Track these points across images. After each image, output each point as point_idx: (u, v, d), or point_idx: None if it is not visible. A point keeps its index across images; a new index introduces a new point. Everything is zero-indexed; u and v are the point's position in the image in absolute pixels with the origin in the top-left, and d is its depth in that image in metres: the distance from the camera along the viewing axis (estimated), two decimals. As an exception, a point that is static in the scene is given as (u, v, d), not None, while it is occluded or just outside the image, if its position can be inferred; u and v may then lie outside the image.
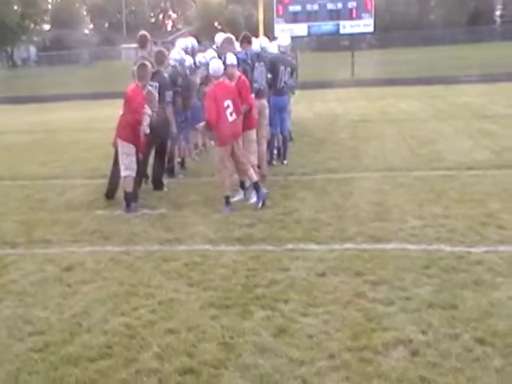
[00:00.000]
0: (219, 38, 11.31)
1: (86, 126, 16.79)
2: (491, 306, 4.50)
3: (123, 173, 7.67)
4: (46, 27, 72.80)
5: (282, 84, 9.90)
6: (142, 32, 9.26)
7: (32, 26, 63.55)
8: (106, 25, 78.46)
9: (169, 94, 8.77)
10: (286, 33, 21.27)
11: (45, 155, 12.35)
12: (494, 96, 18.69)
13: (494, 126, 12.93)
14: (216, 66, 7.61)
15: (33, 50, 68.77)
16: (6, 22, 55.62)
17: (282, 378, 3.68)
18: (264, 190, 7.56)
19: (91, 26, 79.97)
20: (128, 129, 7.61)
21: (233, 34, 9.47)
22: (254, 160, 8.26)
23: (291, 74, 10.25)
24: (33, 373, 3.86)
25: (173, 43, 12.62)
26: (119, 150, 7.71)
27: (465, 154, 9.94)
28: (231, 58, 7.82)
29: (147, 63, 8.02)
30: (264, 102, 8.93)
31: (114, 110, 8.23)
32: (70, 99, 25.43)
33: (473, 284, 4.89)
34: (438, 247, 5.81)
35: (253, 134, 8.20)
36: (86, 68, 45.88)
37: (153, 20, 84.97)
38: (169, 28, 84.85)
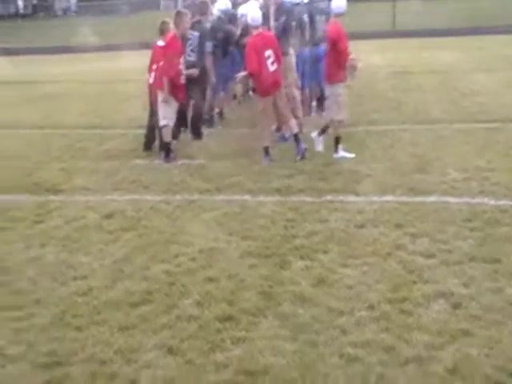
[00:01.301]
0: None
1: (125, 77, 16.75)
2: (536, 260, 4.41)
3: (162, 122, 7.67)
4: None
5: (318, 34, 9.67)
6: None
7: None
8: (145, -26, 77.59)
9: (209, 45, 8.67)
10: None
11: (84, 105, 12.40)
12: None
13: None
14: (255, 15, 7.46)
15: (73, 0, 68.57)
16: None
17: (321, 328, 3.69)
18: (303, 145, 7.48)
19: (130, -25, 79.26)
20: (165, 78, 7.57)
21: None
22: (299, 112, 8.21)
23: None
24: (77, 316, 3.95)
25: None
26: (158, 99, 7.69)
27: (509, 107, 9.63)
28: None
29: (185, 11, 7.93)
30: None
31: (147, 60, 8.18)
32: (108, 50, 25.38)
33: (517, 238, 4.80)
34: (480, 200, 5.69)
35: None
36: (125, 18, 45.62)
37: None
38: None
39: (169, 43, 7.63)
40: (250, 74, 7.44)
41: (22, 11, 61.19)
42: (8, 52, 27.40)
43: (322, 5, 9.95)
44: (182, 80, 7.79)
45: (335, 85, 7.53)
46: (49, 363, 3.42)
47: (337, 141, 7.50)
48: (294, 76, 8.63)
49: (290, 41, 8.44)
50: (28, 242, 5.26)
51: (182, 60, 7.81)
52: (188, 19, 7.90)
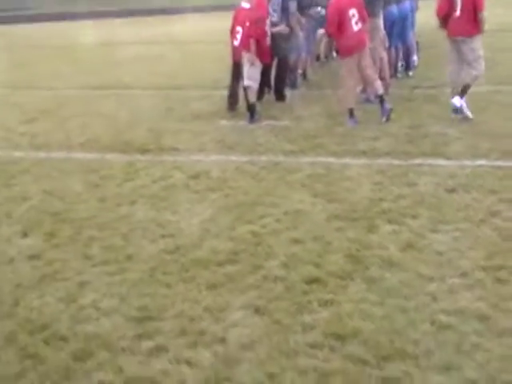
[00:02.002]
0: None
1: (210, 38, 16.84)
2: None
3: (246, 82, 7.65)
4: None
5: None
6: None
7: None
8: None
9: (293, 5, 8.51)
10: None
11: (168, 66, 12.58)
12: None
13: None
14: None
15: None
16: None
17: (410, 293, 3.59)
18: (388, 105, 7.26)
19: None
20: (252, 39, 7.52)
21: None
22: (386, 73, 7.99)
23: None
24: (166, 273, 4.03)
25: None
26: (244, 60, 7.66)
27: None
28: None
29: None
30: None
31: (229, 22, 8.14)
32: (194, 11, 25.52)
33: None
34: None
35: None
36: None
37: None
38: None
39: (257, 5, 7.57)
40: (329, 36, 7.28)
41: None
42: (99, 15, 28.04)
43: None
44: (268, 42, 7.71)
45: (475, 38, 7.06)
46: (140, 317, 3.51)
47: (465, 89, 7.05)
48: (381, 37, 8.36)
49: (379, 2, 8.13)
50: (118, 199, 5.40)
51: (267, 22, 7.73)
52: None
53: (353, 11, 7.13)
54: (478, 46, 7.03)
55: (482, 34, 7.08)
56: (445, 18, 7.06)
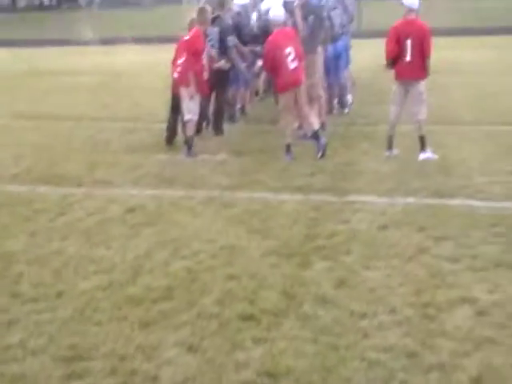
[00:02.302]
0: None
1: (148, 70, 16.78)
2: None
3: (186, 116, 7.68)
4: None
5: (336, 30, 9.61)
6: None
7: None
8: (168, -33, 77.71)
9: (230, 39, 8.59)
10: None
11: (107, 97, 12.46)
12: None
13: None
14: (277, 12, 7.45)
15: (96, -8, 68.97)
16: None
17: (342, 330, 3.65)
18: (323, 140, 7.43)
19: (153, -33, 79.35)
20: (190, 74, 7.57)
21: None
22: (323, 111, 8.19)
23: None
24: (98, 310, 3.95)
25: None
26: (182, 94, 7.69)
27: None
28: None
29: (207, 7, 7.93)
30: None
31: (171, 55, 8.19)
32: (132, 42, 25.45)
33: (544, 245, 4.72)
34: (505, 205, 5.63)
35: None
36: (148, 11, 45.75)
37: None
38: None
39: (193, 39, 7.64)
40: (271, 70, 7.45)
41: (46, 3, 61.66)
42: (34, 44, 27.62)
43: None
44: (206, 75, 7.79)
45: (422, 82, 7.30)
46: (70, 357, 3.42)
47: (423, 140, 7.24)
48: (320, 74, 8.58)
49: (317, 39, 8.36)
50: (50, 233, 5.29)
51: (204, 56, 7.82)
52: (209, 15, 7.90)
53: (289, 49, 7.30)
54: (423, 89, 7.30)
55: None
56: (394, 61, 7.31)
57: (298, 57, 7.38)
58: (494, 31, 23.20)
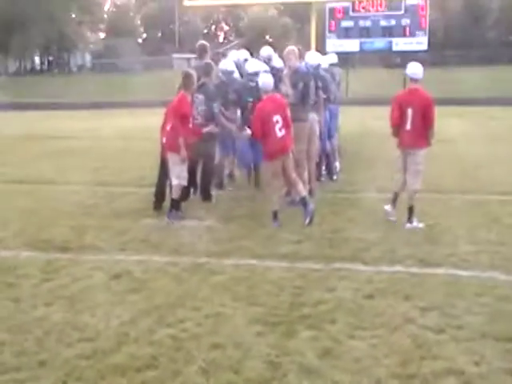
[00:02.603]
0: (265, 51, 11.37)
1: (136, 134, 17.07)
2: (548, 340, 4.34)
3: (174, 181, 7.75)
4: (102, 35, 74.53)
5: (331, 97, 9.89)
6: (201, 42, 9.35)
7: (88, 33, 65.48)
8: (159, 34, 79.70)
9: (215, 106, 8.74)
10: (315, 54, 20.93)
11: (95, 161, 12.58)
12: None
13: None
14: (266, 80, 7.63)
15: (88, 57, 70.52)
16: (65, 29, 57.41)
17: (326, 402, 3.62)
18: (311, 206, 7.51)
19: (144, 35, 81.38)
20: (179, 139, 7.66)
21: (283, 47, 9.44)
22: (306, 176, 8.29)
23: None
24: (81, 379, 3.90)
25: (224, 54, 12.68)
26: (170, 160, 7.79)
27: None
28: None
29: (192, 72, 8.11)
30: (315, 116, 8.87)
31: (160, 119, 8.32)
32: (121, 107, 25.91)
33: (529, 316, 4.74)
34: (491, 275, 5.66)
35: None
36: (138, 76, 46.70)
37: (205, 31, 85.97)
38: (221, 39, 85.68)
39: (179, 103, 7.78)
40: (259, 137, 7.54)
41: (38, 67, 62.86)
42: (24, 107, 27.98)
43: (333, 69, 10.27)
44: (191, 140, 7.88)
45: (421, 151, 7.44)
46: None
47: (411, 210, 7.36)
48: (315, 142, 8.75)
49: (307, 107, 8.55)
50: (34, 300, 5.23)
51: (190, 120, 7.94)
52: (195, 81, 8.05)
53: (277, 117, 7.45)
54: (421, 160, 7.44)
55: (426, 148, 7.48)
56: (397, 129, 7.47)
57: (286, 125, 7.53)
58: (475, 102, 23.86)
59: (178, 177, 7.75)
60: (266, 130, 7.43)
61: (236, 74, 10.06)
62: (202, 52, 9.12)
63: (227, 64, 9.82)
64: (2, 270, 6.01)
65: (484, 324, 4.62)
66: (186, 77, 7.96)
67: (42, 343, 4.42)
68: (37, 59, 68.18)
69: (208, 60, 9.10)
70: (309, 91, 8.46)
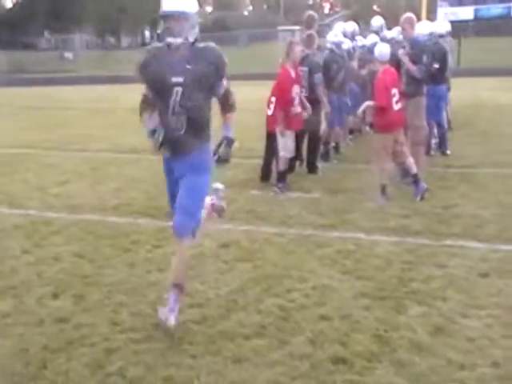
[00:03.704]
0: (376, 21, 11.07)
1: (246, 106, 17.13)
2: None
3: (280, 153, 7.79)
4: (209, 9, 75.62)
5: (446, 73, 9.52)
6: (310, 12, 9.26)
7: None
8: (265, 6, 79.72)
9: (317, 77, 8.61)
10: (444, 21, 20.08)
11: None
12: None
13: None
14: (384, 49, 7.40)
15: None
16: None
17: (439, 380, 3.53)
18: (423, 185, 7.28)
19: (250, 7, 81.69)
20: (279, 112, 7.70)
21: (392, 16, 9.16)
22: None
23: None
24: (193, 343, 4.02)
25: (330, 26, 12.53)
26: (277, 132, 7.82)
27: None
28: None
29: (294, 41, 8.05)
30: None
31: (269, 91, 8.32)
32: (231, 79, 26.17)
33: None
34: None
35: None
36: (244, 49, 47.05)
37: (310, 2, 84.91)
38: (326, 11, 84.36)
39: (280, 77, 7.80)
40: (381, 108, 7.30)
41: (147, 41, 65.00)
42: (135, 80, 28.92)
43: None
44: (296, 110, 7.84)
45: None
46: (164, 388, 3.50)
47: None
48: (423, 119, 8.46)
49: (423, 81, 8.25)
50: (148, 265, 5.46)
51: (296, 90, 7.86)
52: (299, 49, 7.96)
53: (394, 90, 7.29)
54: None
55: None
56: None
57: (400, 99, 7.36)
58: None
59: (285, 149, 7.77)
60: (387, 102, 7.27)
61: (345, 45, 9.92)
62: (309, 23, 9.01)
63: (335, 35, 9.69)
64: (118, 235, 6.29)
65: None
66: (288, 45, 7.94)
67: (156, 306, 4.59)
68: (147, 33, 70.35)
69: (314, 31, 8.99)
70: (431, 64, 8.16)
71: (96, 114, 18.33)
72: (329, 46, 9.63)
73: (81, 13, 52.32)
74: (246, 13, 77.77)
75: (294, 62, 7.91)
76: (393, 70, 7.45)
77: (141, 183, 8.55)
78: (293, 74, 7.85)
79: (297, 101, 7.85)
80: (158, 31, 67.74)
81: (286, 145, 7.76)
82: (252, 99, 18.17)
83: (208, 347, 3.97)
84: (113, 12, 53.51)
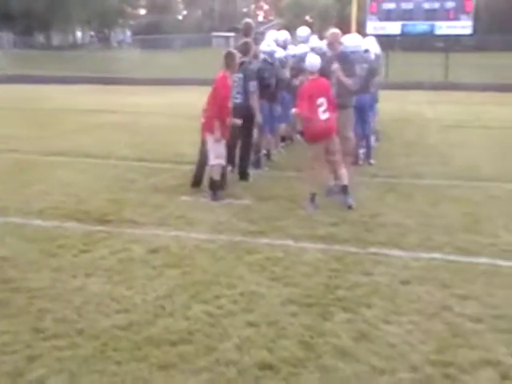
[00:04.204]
0: (302, 31, 11.28)
1: (175, 111, 17.13)
2: None
3: (212, 161, 7.77)
4: (142, 12, 74.77)
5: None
6: (247, 20, 9.31)
7: (129, 10, 65.89)
8: (199, 12, 79.59)
9: (252, 84, 8.68)
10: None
11: (134, 137, 12.68)
12: None
13: None
14: (313, 60, 7.52)
15: (128, 33, 70.96)
16: (106, 5, 57.88)
17: (362, 385, 3.63)
18: (351, 199, 7.42)
19: (184, 12, 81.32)
20: (215, 120, 7.68)
21: (322, 28, 9.38)
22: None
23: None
24: (118, 349, 3.97)
25: (263, 34, 12.66)
26: (208, 139, 7.81)
27: None
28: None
29: (234, 51, 8.07)
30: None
31: (200, 97, 8.32)
32: (161, 83, 26.02)
33: None
34: (532, 266, 5.57)
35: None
36: (178, 53, 46.79)
37: (245, 10, 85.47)
38: (260, 19, 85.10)
39: (218, 84, 7.77)
40: (305, 118, 7.39)
41: (79, 42, 63.63)
42: (66, 81, 28.31)
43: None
44: (229, 121, 7.87)
45: None
46: (88, 396, 3.43)
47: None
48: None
49: (352, 93, 8.45)
50: (74, 270, 5.34)
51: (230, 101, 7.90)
52: (238, 60, 8.01)
53: (321, 100, 7.34)
54: None
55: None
56: None
57: (331, 108, 7.43)
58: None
59: (217, 157, 7.76)
60: (309, 112, 7.34)
61: (278, 54, 10.04)
62: (247, 30, 9.06)
63: (267, 45, 9.80)
64: (44, 240, 6.13)
65: (523, 315, 4.56)
66: (229, 56, 7.93)
67: (81, 312, 4.51)
68: (79, 34, 68.87)
69: (250, 39, 9.05)
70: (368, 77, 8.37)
71: (23, 114, 17.77)
72: (262, 55, 9.72)
73: (8, 10, 50.67)
74: (180, 17, 77.36)
75: (232, 73, 7.95)
76: (322, 79, 7.56)
77: (70, 187, 8.35)
78: (231, 84, 7.87)
79: (230, 111, 7.88)
80: (92, 33, 66.44)
81: (218, 153, 7.76)
82: (184, 104, 18.15)
83: (133, 353, 3.93)
84: (41, 9, 52.03)
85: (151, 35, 59.32)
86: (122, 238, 6.23)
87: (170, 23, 63.80)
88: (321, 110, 7.34)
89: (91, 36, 69.31)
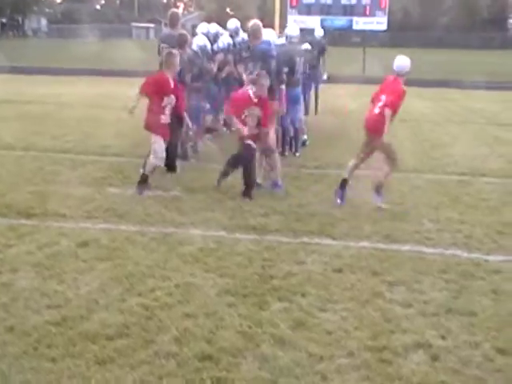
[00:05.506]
0: (231, 24, 11.30)
1: (97, 102, 16.67)
2: (511, 316, 4.49)
3: (151, 159, 7.63)
4: (58, 0, 72.47)
5: (298, 76, 9.93)
6: (173, 10, 9.18)
7: (44, -4, 63.70)
8: (118, 2, 77.95)
9: (188, 77, 8.67)
10: (294, 24, 21.01)
11: (56, 128, 12.27)
12: (508, 104, 18.68)
13: (510, 134, 12.93)
14: None
15: (44, 21, 68.54)
16: (19, -10, 55.68)
17: (301, 373, 3.68)
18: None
19: (102, 1, 79.41)
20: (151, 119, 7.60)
21: (243, 20, 9.40)
22: None
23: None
24: (52, 346, 3.85)
25: (184, 25, 12.55)
26: (151, 138, 7.70)
27: (479, 161, 9.95)
28: None
29: (175, 52, 7.93)
30: None
31: (122, 88, 8.17)
32: (79, 74, 25.27)
33: (491, 293, 4.90)
34: (454, 252, 5.82)
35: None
36: (96, 43, 45.66)
37: (164, 0, 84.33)
38: (180, 10, 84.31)
39: (156, 79, 7.68)
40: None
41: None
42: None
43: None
44: (166, 119, 7.74)
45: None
46: (22, 395, 3.31)
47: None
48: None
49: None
50: (-1, 266, 5.13)
51: (170, 100, 7.74)
52: (178, 60, 7.88)
53: (256, 110, 7.51)
54: None
55: None
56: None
57: (264, 120, 7.64)
58: (431, 84, 24.24)
59: (155, 156, 7.63)
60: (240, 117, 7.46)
61: (209, 47, 10.02)
62: (173, 21, 8.94)
63: (200, 38, 9.76)
64: (-36, 234, 5.84)
65: (449, 299, 4.76)
66: (170, 56, 7.78)
67: (9, 309, 4.33)
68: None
69: (181, 30, 8.94)
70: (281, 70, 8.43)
71: None
72: (195, 48, 9.66)
73: None
74: (98, 7, 75.49)
75: (173, 73, 7.82)
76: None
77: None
78: (171, 84, 7.73)
79: (167, 110, 7.73)
80: (3, 20, 63.68)
81: (156, 151, 7.62)
82: (107, 95, 17.71)
83: (68, 349, 3.82)
84: None
85: (68, 24, 57.61)
86: (48, 232, 6.03)
87: (87, 12, 62.11)
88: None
89: (2, 23, 66.40)
